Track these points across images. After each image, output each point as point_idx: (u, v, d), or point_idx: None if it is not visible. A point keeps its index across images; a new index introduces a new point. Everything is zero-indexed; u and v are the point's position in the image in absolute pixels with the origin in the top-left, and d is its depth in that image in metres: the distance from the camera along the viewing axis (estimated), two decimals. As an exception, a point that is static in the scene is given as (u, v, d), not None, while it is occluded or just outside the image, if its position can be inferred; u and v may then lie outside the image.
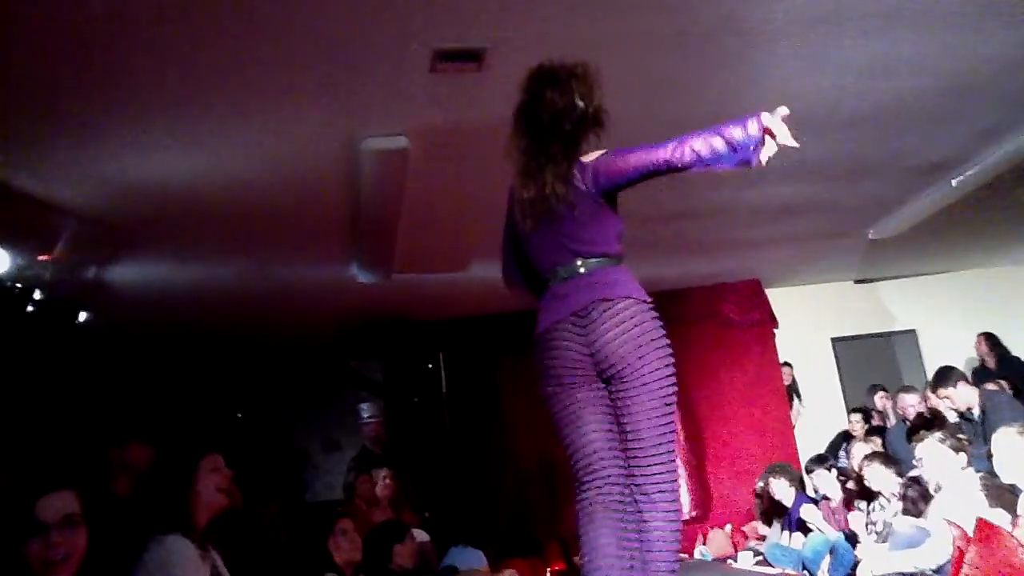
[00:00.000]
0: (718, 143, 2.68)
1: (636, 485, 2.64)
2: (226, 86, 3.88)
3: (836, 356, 9.41)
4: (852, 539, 5.09)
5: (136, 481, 3.21)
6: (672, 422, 2.69)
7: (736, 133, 2.67)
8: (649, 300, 2.73)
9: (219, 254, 6.01)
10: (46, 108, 3.88)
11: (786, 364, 8.82)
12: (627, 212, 4.70)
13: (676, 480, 2.70)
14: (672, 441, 2.70)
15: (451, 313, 8.36)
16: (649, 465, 2.62)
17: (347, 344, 8.72)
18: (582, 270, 2.74)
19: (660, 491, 2.62)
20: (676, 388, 2.68)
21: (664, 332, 2.70)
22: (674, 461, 2.70)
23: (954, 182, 6.47)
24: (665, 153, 2.75)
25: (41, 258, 5.43)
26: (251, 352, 8.60)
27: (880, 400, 8.20)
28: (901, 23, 4.14)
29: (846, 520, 5.58)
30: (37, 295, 5.80)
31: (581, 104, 2.79)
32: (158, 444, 4.16)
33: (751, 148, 2.67)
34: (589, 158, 2.81)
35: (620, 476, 2.65)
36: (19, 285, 5.65)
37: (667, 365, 2.66)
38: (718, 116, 4.84)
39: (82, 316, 6.40)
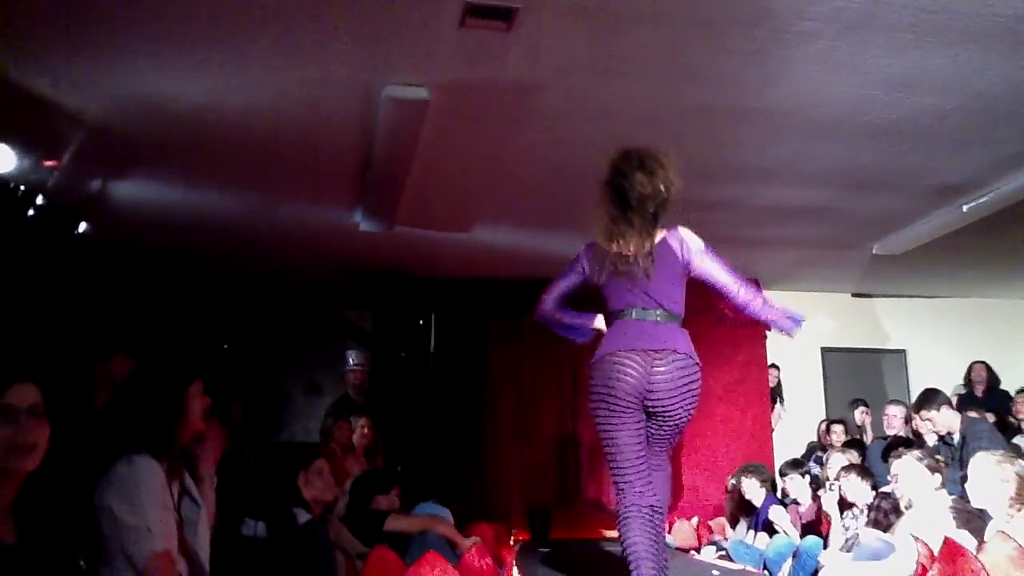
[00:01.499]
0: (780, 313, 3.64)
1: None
2: (251, 12, 3.83)
3: (824, 366, 9.45)
4: (824, 540, 5.13)
5: (115, 392, 3.20)
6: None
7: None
8: (699, 362, 3.44)
9: (224, 183, 5.98)
10: (69, 15, 3.83)
11: (773, 366, 8.85)
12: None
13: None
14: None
15: (448, 273, 8.36)
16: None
17: (340, 291, 8.71)
18: (659, 319, 3.38)
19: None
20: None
21: (697, 382, 3.41)
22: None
23: (965, 207, 6.46)
24: (747, 295, 3.60)
25: (47, 163, 5.40)
26: (244, 286, 8.59)
27: (859, 415, 8.24)
28: (934, 39, 4.11)
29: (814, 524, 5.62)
30: (39, 200, 5.79)
31: (664, 191, 3.42)
32: (141, 360, 4.18)
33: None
34: (687, 235, 3.54)
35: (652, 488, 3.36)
36: (23, 188, 5.63)
37: (693, 410, 3.43)
38: (740, 109, 4.88)
39: (82, 227, 6.39)
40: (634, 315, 3.38)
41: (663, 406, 3.32)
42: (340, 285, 8.56)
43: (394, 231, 6.72)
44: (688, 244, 3.50)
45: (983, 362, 8.49)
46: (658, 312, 3.40)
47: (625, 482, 3.34)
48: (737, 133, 5.29)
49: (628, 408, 3.31)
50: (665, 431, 3.41)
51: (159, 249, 7.40)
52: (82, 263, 6.46)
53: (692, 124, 5.16)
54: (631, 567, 3.24)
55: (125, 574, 2.70)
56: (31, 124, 4.90)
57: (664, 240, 3.47)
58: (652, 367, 3.29)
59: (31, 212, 5.74)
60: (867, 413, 8.16)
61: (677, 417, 3.36)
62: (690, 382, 3.36)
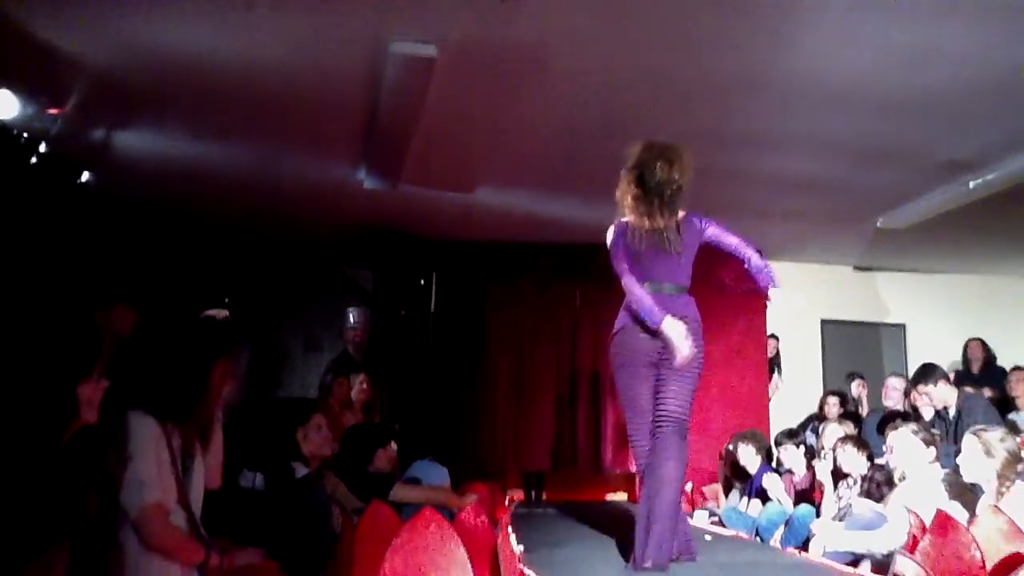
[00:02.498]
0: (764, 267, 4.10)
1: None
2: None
3: (823, 338, 9.47)
4: (816, 509, 5.17)
5: (134, 354, 3.20)
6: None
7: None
8: (698, 321, 3.98)
9: (227, 135, 5.94)
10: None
11: (772, 336, 8.86)
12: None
13: None
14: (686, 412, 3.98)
15: (450, 234, 8.34)
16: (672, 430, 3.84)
17: (342, 248, 8.70)
18: (674, 292, 3.95)
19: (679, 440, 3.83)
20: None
21: (701, 344, 3.94)
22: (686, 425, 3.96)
23: (972, 184, 6.44)
24: (749, 249, 4.10)
25: (51, 111, 5.37)
26: (245, 241, 8.58)
27: (856, 388, 8.27)
28: (951, 13, 4.07)
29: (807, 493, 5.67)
30: (42, 148, 5.76)
31: (680, 180, 3.98)
32: (143, 311, 4.19)
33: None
34: (706, 220, 4.06)
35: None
36: (26, 135, 5.60)
37: (700, 365, 3.98)
38: (748, 78, 4.84)
39: (85, 176, 6.37)
40: (649, 288, 3.88)
41: (677, 366, 3.82)
42: (342, 242, 8.55)
43: (397, 190, 6.69)
44: (702, 222, 4.06)
45: (979, 339, 8.51)
46: (673, 286, 3.95)
47: (639, 433, 3.85)
48: (744, 102, 5.26)
49: (646, 364, 3.87)
50: (672, 383, 3.87)
51: (161, 201, 7.37)
52: (84, 213, 6.45)
53: (699, 91, 5.13)
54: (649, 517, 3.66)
55: (127, 527, 2.73)
56: (34, 71, 4.86)
57: (685, 218, 4.01)
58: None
59: (33, 160, 5.72)
60: (863, 386, 8.20)
61: (687, 372, 3.88)
62: (699, 346, 3.92)
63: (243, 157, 6.34)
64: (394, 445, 4.88)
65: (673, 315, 3.80)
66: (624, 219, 4.09)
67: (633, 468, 8.50)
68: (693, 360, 3.84)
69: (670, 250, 3.91)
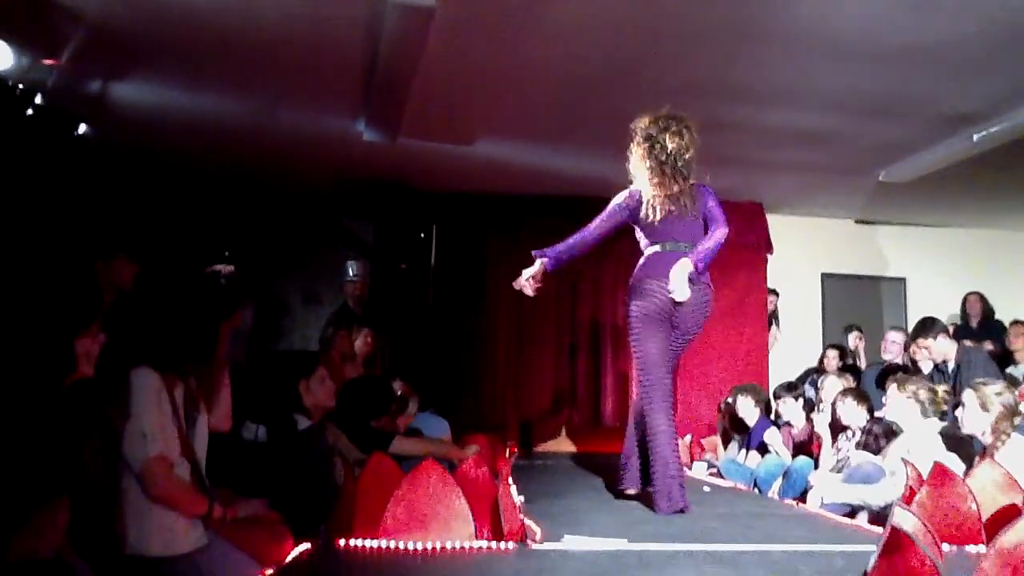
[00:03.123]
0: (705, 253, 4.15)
1: None
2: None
3: (823, 291, 9.48)
4: (815, 461, 5.22)
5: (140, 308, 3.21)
6: None
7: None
8: (709, 283, 4.27)
9: (225, 85, 5.87)
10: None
11: (772, 292, 8.86)
12: (643, 110, 4.65)
13: None
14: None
15: (450, 186, 8.31)
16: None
17: (342, 201, 8.67)
18: (687, 251, 4.13)
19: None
20: None
21: (710, 303, 4.28)
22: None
23: (975, 136, 6.39)
24: (723, 228, 4.22)
25: (47, 62, 5.31)
26: (245, 193, 8.54)
27: (853, 340, 8.28)
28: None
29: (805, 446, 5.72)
30: (38, 100, 5.71)
31: (689, 149, 4.28)
32: (143, 263, 4.18)
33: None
34: (709, 189, 4.36)
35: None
36: (21, 86, 5.55)
37: (704, 324, 4.35)
38: (750, 27, 4.78)
39: (82, 128, 6.32)
40: (668, 247, 4.19)
41: (683, 323, 4.21)
42: (341, 194, 8.51)
43: (397, 142, 6.65)
44: (709, 193, 4.34)
45: (977, 293, 8.50)
46: (687, 246, 4.18)
47: (650, 381, 4.18)
48: (747, 52, 5.19)
49: (658, 323, 4.17)
50: (680, 341, 4.29)
51: (159, 153, 7.33)
52: (82, 165, 6.41)
53: (701, 41, 5.07)
54: (657, 447, 4.10)
55: (128, 473, 2.76)
56: (29, 21, 4.79)
57: (694, 185, 4.30)
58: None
59: (30, 112, 5.67)
60: (861, 338, 8.22)
61: (692, 331, 4.30)
62: (707, 302, 4.26)
63: (241, 108, 6.28)
64: (394, 408, 4.90)
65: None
66: (637, 188, 4.34)
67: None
68: (699, 322, 4.31)
69: (687, 213, 4.22)
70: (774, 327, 8.91)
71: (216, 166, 7.75)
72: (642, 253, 4.33)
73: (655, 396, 4.16)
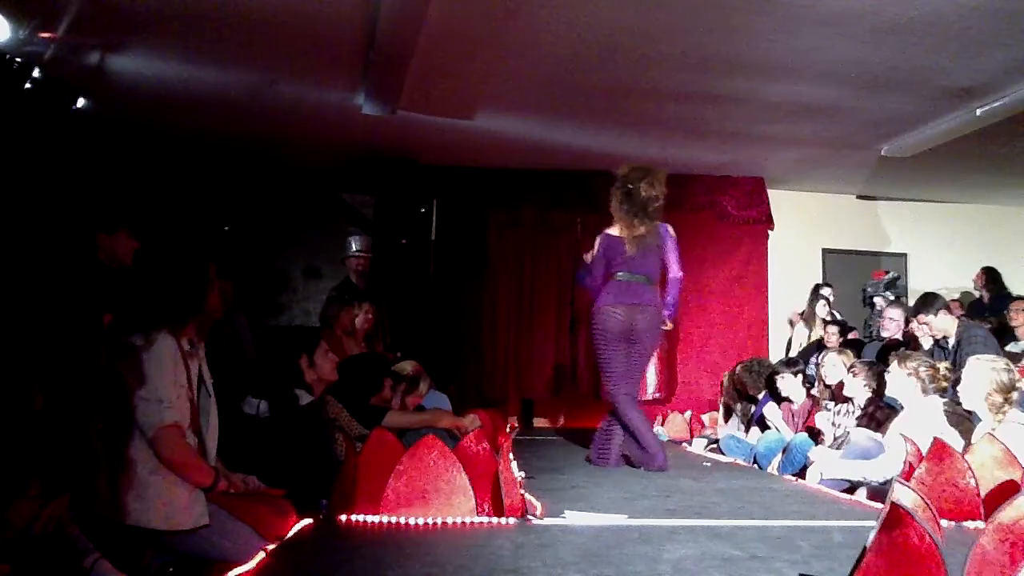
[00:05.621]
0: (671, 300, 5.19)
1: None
2: None
3: (824, 267, 9.47)
4: (814, 436, 5.22)
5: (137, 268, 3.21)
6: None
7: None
8: (659, 307, 5.12)
9: (224, 58, 5.84)
10: None
11: (823, 296, 8.54)
12: (645, 86, 4.61)
13: None
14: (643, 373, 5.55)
15: (451, 160, 8.28)
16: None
17: (342, 175, 8.64)
18: (643, 282, 5.08)
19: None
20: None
21: (660, 324, 5.15)
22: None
23: (979, 111, 6.37)
24: (677, 276, 5.16)
25: (44, 35, 5.27)
26: (245, 168, 8.51)
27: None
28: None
29: (805, 423, 5.72)
30: (36, 73, 5.68)
31: (658, 196, 5.07)
32: (144, 239, 4.18)
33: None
34: (669, 229, 5.18)
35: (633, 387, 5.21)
36: (19, 60, 5.51)
37: (657, 341, 5.30)
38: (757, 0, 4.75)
39: (80, 102, 6.29)
40: (625, 278, 5.05)
41: (640, 338, 5.06)
42: (341, 169, 8.48)
43: (397, 115, 6.62)
44: (669, 234, 5.16)
45: (984, 268, 8.45)
46: (641, 277, 5.07)
47: (614, 384, 5.09)
48: (750, 24, 5.16)
49: (618, 338, 5.04)
50: (638, 355, 5.11)
51: (158, 128, 7.30)
52: (80, 139, 6.38)
53: (703, 14, 5.03)
54: (637, 436, 5.01)
55: (140, 443, 2.76)
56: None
57: (658, 228, 5.11)
58: (636, 314, 5.02)
59: (28, 85, 5.64)
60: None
61: (649, 346, 5.16)
62: (658, 324, 5.12)
63: (240, 81, 6.24)
64: (388, 382, 4.91)
65: (639, 302, 5.02)
66: (609, 230, 5.17)
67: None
68: (654, 341, 5.18)
69: (648, 249, 5.06)
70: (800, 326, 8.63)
71: (216, 141, 7.72)
72: (606, 275, 5.14)
73: (621, 398, 5.04)
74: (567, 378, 8.62)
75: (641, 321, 5.01)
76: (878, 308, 7.97)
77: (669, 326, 5.25)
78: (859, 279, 9.43)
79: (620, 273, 5.06)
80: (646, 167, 5.14)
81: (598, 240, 5.22)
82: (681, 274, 5.16)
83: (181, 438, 2.81)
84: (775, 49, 5.52)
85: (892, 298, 8.04)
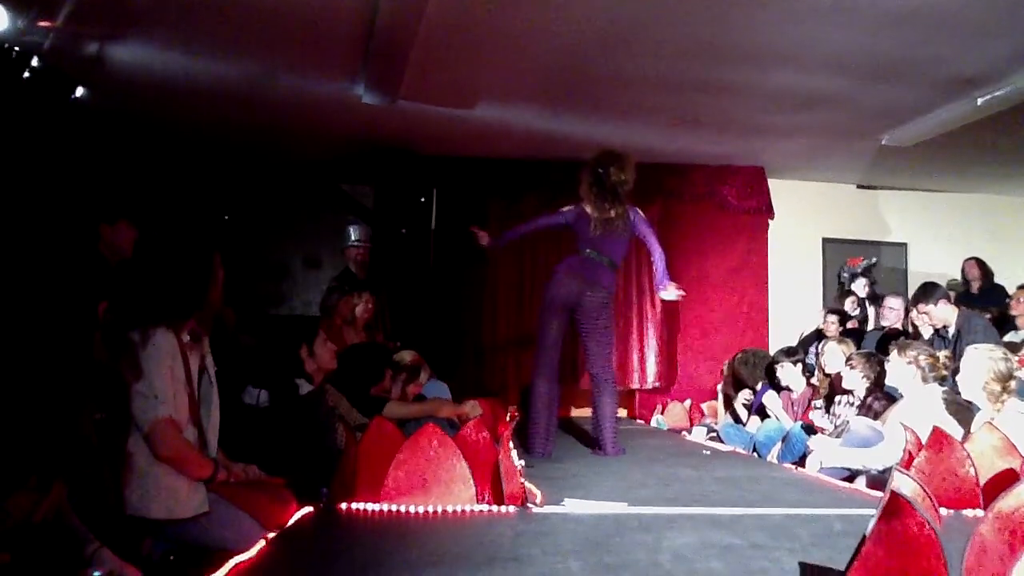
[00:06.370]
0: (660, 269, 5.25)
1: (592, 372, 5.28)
2: None
3: (824, 256, 9.46)
4: (810, 430, 5.23)
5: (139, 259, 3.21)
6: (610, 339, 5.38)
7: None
8: (612, 294, 5.30)
9: (223, 49, 5.82)
10: None
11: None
12: (645, 76, 4.59)
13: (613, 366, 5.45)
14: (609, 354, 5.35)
15: (450, 150, 8.26)
16: (602, 365, 5.26)
17: (341, 165, 8.63)
18: (605, 264, 5.15)
19: (609, 373, 5.31)
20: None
21: (610, 309, 5.28)
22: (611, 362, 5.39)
23: (980, 100, 6.35)
24: (658, 252, 5.24)
25: (42, 24, 5.25)
26: (244, 158, 8.50)
27: (850, 303, 8.26)
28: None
29: (805, 412, 5.73)
30: (35, 62, 5.66)
31: (629, 180, 5.18)
32: (143, 230, 4.18)
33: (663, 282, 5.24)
34: (638, 211, 5.30)
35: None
36: (17, 49, 5.50)
37: (609, 324, 5.29)
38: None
39: (79, 91, 6.27)
40: (590, 255, 5.14)
41: (585, 318, 5.13)
42: (341, 159, 8.47)
43: (396, 105, 6.60)
44: (641, 217, 5.26)
45: (975, 258, 8.46)
46: (604, 259, 5.15)
47: (537, 356, 5.28)
48: (749, 13, 5.14)
49: (559, 312, 5.14)
50: (589, 329, 5.15)
51: (158, 118, 7.28)
52: (79, 129, 6.36)
53: (703, 3, 5.02)
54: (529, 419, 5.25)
55: (135, 434, 2.77)
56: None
57: (628, 213, 5.20)
58: (587, 290, 5.08)
59: (26, 75, 5.62)
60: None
61: (590, 327, 5.16)
62: (605, 309, 5.17)
63: (239, 71, 6.23)
64: (388, 372, 4.93)
65: (595, 281, 5.08)
66: (582, 205, 5.23)
67: (633, 385, 8.61)
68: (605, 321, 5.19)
69: (616, 232, 5.15)
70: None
71: (215, 131, 7.70)
72: (572, 250, 5.25)
73: (540, 365, 5.22)
74: (567, 367, 8.61)
75: (590, 299, 5.08)
76: (858, 295, 8.03)
77: (672, 294, 5.26)
78: (860, 269, 9.44)
79: (588, 251, 5.15)
80: (616, 152, 5.23)
81: (573, 206, 5.28)
82: (661, 249, 5.25)
83: (176, 433, 2.81)
84: (776, 39, 5.51)
85: (868, 284, 8.11)
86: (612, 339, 5.39)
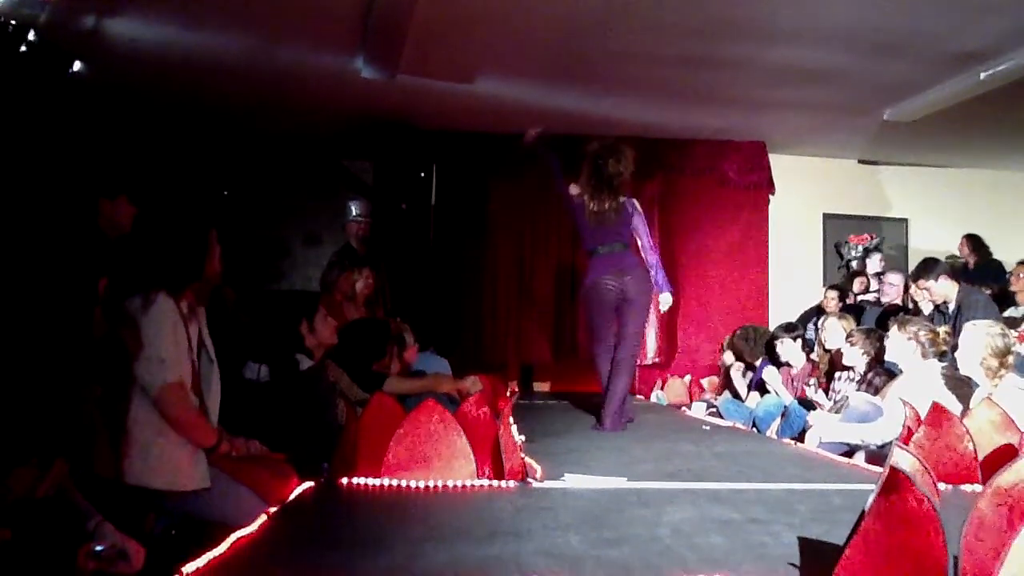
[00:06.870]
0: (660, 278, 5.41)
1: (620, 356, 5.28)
2: None
3: (824, 232, 9.45)
4: (809, 405, 5.25)
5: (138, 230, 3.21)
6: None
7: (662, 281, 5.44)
8: (644, 268, 5.32)
9: (224, 23, 5.78)
10: None
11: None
12: (646, 51, 4.57)
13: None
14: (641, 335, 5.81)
15: (450, 125, 8.23)
16: (631, 347, 5.34)
17: (341, 140, 8.59)
18: (620, 249, 5.26)
19: (634, 357, 5.44)
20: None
21: (650, 284, 5.34)
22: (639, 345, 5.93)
23: (983, 75, 6.32)
24: (653, 254, 5.42)
25: (39, -3, 5.22)
26: (243, 133, 8.46)
27: (859, 284, 8.28)
28: None
29: (803, 389, 5.74)
30: (31, 36, 5.62)
31: (625, 173, 5.29)
32: (142, 206, 4.17)
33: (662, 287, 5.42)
34: (637, 205, 5.40)
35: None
36: (13, 23, 5.46)
37: (650, 301, 5.42)
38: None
39: (76, 66, 6.23)
40: (603, 251, 5.25)
41: (628, 299, 5.20)
42: (340, 134, 8.43)
43: (396, 79, 6.56)
44: (637, 208, 5.38)
45: (965, 235, 8.44)
46: (618, 245, 5.26)
47: (603, 343, 5.36)
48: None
49: (605, 305, 5.25)
50: (632, 315, 5.25)
51: (156, 93, 7.24)
52: (76, 103, 6.33)
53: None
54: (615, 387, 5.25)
55: (142, 407, 2.78)
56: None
57: (623, 202, 5.29)
58: (620, 280, 5.19)
59: (23, 49, 5.58)
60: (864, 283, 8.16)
61: (644, 303, 5.31)
62: (646, 280, 5.30)
63: (237, 45, 6.19)
64: (393, 348, 4.93)
65: (622, 268, 5.20)
66: (581, 194, 5.35)
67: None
68: (645, 298, 5.32)
69: (612, 222, 5.25)
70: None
71: (214, 106, 7.67)
72: (585, 251, 5.46)
73: (601, 358, 5.33)
74: (567, 343, 8.63)
75: (631, 285, 5.21)
76: (871, 272, 8.02)
77: (666, 305, 5.50)
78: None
79: (598, 248, 5.29)
80: (614, 144, 5.32)
81: (578, 191, 5.39)
82: (652, 245, 5.41)
83: (185, 396, 2.83)
84: (777, 13, 5.47)
85: (881, 259, 8.10)
86: (646, 319, 5.67)
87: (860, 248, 8.78)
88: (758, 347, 6.43)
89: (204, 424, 2.91)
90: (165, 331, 2.80)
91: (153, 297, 2.82)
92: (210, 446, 2.90)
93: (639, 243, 5.36)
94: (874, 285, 7.99)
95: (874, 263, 8.28)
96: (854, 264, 8.79)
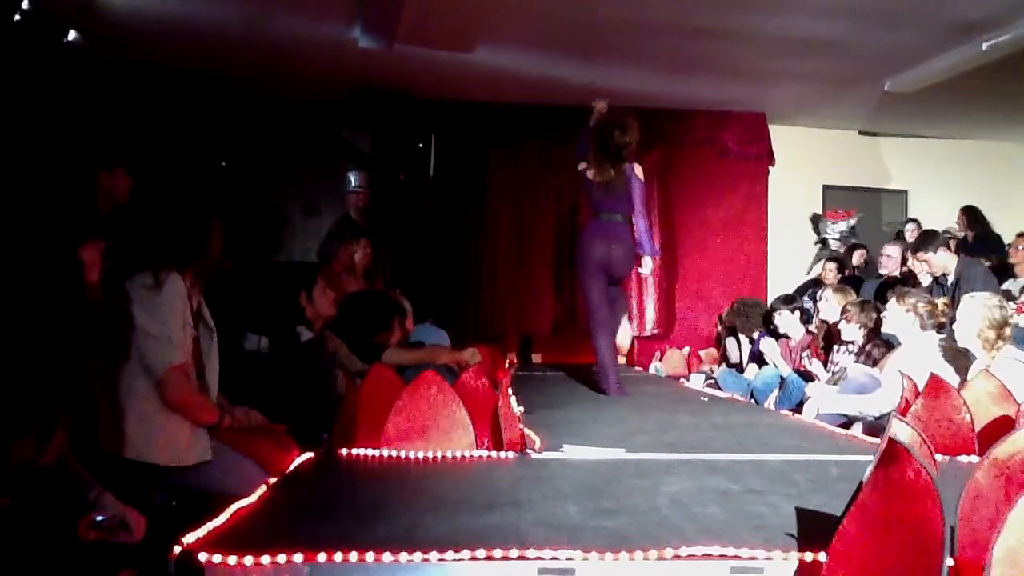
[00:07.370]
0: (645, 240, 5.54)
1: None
2: None
3: (824, 203, 9.42)
4: (807, 376, 5.26)
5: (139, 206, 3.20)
6: None
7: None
8: (634, 243, 5.46)
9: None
10: None
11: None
12: (646, 20, 4.52)
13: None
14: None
15: (449, 95, 8.17)
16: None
17: (339, 111, 8.54)
18: (619, 220, 5.41)
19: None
20: None
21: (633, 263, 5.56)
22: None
23: (985, 45, 6.28)
24: (642, 219, 5.50)
25: (32, -34, 5.16)
26: (241, 103, 8.41)
27: (858, 257, 8.27)
28: None
29: (800, 360, 5.76)
30: (25, 4, 5.56)
31: (630, 143, 5.36)
32: (140, 177, 4.14)
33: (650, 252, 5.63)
34: (637, 169, 5.44)
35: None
36: (7, -9, 5.41)
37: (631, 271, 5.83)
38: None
39: (71, 35, 6.17)
40: (604, 217, 5.40)
41: (618, 269, 5.44)
42: (339, 104, 8.38)
43: (394, 49, 6.51)
44: (637, 175, 5.44)
45: (963, 208, 8.40)
46: (618, 216, 5.41)
47: (593, 313, 5.47)
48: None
49: (597, 271, 5.38)
50: (615, 281, 5.52)
51: (152, 62, 7.18)
52: (71, 73, 6.28)
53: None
54: (600, 371, 5.49)
55: (144, 381, 2.78)
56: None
57: (625, 171, 5.37)
58: (613, 247, 5.34)
59: (16, 17, 5.53)
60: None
61: (624, 275, 5.68)
62: (631, 256, 5.47)
63: (235, 14, 6.13)
64: (396, 320, 4.94)
65: (618, 237, 5.35)
66: (585, 171, 5.46)
67: (632, 332, 8.64)
68: (628, 270, 5.62)
69: (617, 191, 5.37)
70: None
71: (211, 76, 7.61)
72: (589, 214, 5.59)
73: (597, 323, 5.43)
74: (565, 314, 8.64)
75: (617, 253, 5.36)
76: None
77: (647, 269, 5.71)
78: (858, 216, 9.41)
79: (602, 214, 5.42)
80: (619, 117, 5.46)
81: (583, 164, 5.50)
82: (643, 210, 5.51)
83: (187, 379, 2.84)
84: (779, -19, 5.43)
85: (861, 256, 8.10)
86: (627, 293, 6.07)
87: (835, 229, 8.79)
88: (751, 321, 6.44)
89: (206, 403, 2.91)
90: (176, 312, 2.80)
91: (164, 276, 2.81)
92: (211, 424, 2.91)
93: (632, 204, 5.46)
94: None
95: (857, 259, 8.28)
96: (832, 244, 8.79)
